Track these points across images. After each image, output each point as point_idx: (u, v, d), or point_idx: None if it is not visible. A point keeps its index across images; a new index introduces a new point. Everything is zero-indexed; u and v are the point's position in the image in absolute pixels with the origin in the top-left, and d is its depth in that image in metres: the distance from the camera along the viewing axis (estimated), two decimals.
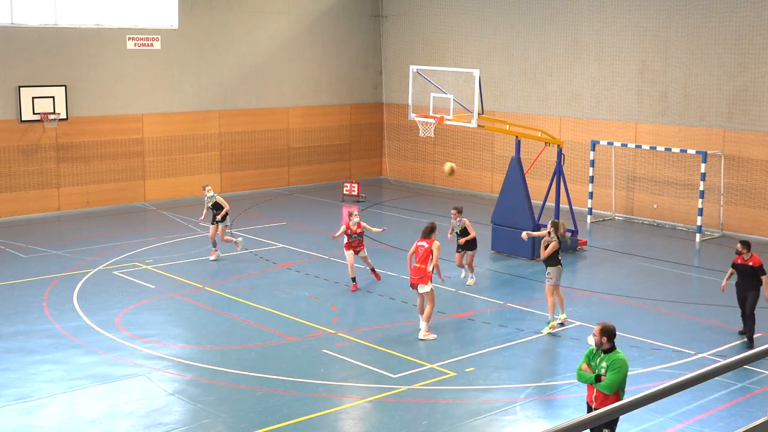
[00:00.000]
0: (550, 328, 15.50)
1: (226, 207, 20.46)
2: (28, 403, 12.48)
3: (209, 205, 20.50)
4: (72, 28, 26.60)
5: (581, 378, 9.83)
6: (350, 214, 18.23)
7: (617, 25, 25.74)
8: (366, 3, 32.52)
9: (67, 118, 26.52)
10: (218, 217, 20.33)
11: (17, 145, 25.93)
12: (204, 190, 20.80)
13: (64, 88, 26.39)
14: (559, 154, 21.72)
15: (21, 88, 25.72)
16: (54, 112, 26.13)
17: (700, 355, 14.58)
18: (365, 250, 18.36)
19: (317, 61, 31.66)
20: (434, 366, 13.92)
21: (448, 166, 20.09)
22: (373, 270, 18.71)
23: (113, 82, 27.47)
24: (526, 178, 21.37)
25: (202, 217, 21.25)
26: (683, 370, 13.76)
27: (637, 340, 15.19)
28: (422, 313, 15.15)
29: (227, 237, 20.70)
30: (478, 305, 17.32)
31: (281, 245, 22.00)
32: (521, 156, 21.44)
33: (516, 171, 21.18)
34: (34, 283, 18.58)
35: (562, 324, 15.72)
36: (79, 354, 14.48)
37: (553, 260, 15.43)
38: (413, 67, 22.28)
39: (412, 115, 22.13)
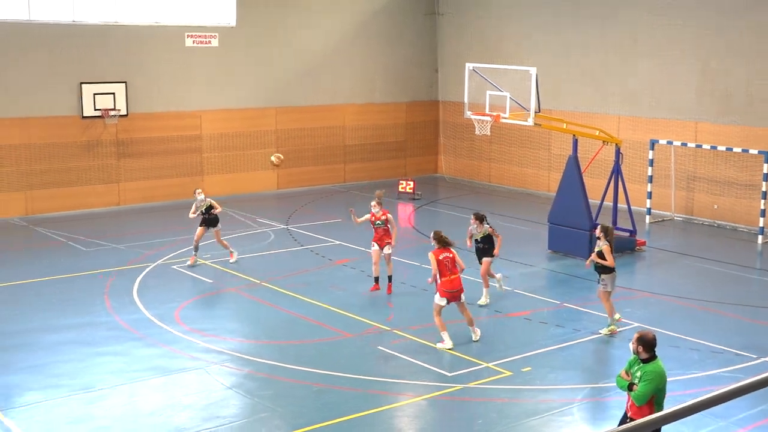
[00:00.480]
0: (609, 330, 15.34)
1: (219, 209, 19.85)
2: (91, 393, 12.72)
3: (203, 208, 19.72)
4: (132, 25, 27.01)
5: (619, 384, 9.74)
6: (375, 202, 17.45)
7: (678, 24, 25.37)
8: (421, 0, 32.50)
9: (127, 115, 26.94)
10: (212, 213, 19.64)
11: (79, 140, 26.41)
12: (195, 193, 20.07)
13: (124, 84, 26.80)
14: (617, 153, 21.49)
15: (83, 85, 26.19)
16: (114, 109, 26.56)
17: (762, 360, 14.32)
18: (391, 248, 17.35)
19: (372, 59, 31.72)
20: (490, 365, 13.87)
21: (274, 157, 20.28)
22: (389, 280, 17.55)
23: (172, 79, 27.83)
24: (584, 177, 21.18)
25: (193, 215, 19.94)
26: (745, 374, 13.52)
27: (697, 342, 14.97)
28: (471, 323, 14.87)
29: (224, 241, 20.11)
30: (534, 305, 17.21)
31: (337, 242, 22.09)
32: (578, 155, 21.26)
33: (573, 170, 21.00)
34: (95, 277, 18.91)
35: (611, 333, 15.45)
36: (139, 346, 14.71)
37: (606, 266, 15.20)
38: (469, 65, 22.21)
39: (468, 113, 22.07)
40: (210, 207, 19.78)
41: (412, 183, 28.66)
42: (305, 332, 15.55)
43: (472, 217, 17.06)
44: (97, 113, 26.40)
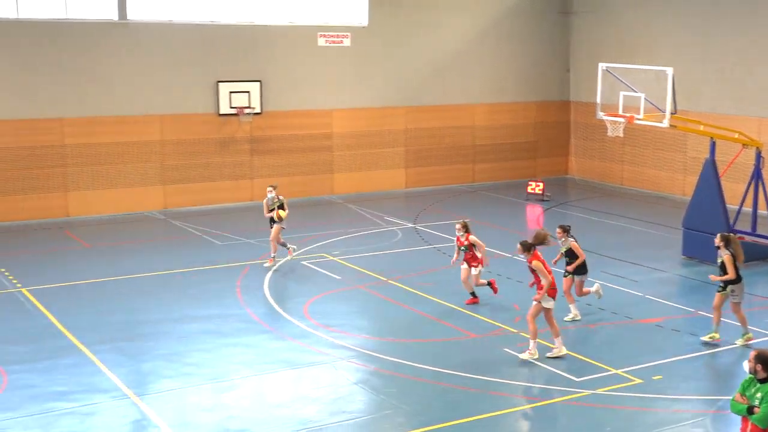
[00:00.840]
0: (744, 340, 14.78)
1: (280, 213, 19.54)
2: (222, 383, 13.09)
3: (275, 206, 19.59)
4: (267, 26, 27.66)
5: (734, 409, 9.12)
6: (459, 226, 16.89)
7: None
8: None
9: (261, 113, 27.60)
10: (279, 216, 19.49)
11: (215, 137, 27.24)
12: (267, 190, 19.89)
13: (258, 83, 27.47)
14: (758, 157, 20.66)
15: (219, 83, 26.99)
16: (249, 107, 27.27)
17: None
18: (478, 270, 16.69)
19: (503, 58, 31.49)
20: (619, 372, 13.56)
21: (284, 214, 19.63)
22: (473, 295, 16.93)
23: (304, 78, 28.35)
24: (721, 181, 20.45)
25: (269, 214, 19.83)
26: None
27: None
28: (558, 334, 14.27)
29: (282, 239, 19.93)
30: (667, 311, 16.73)
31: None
32: (716, 158, 20.53)
33: (710, 173, 20.31)
34: (227, 270, 19.45)
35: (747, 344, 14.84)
36: (269, 339, 15.05)
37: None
38: (602, 65, 21.76)
39: (601, 114, 21.64)
40: (281, 205, 19.62)
41: (541, 184, 28.30)
42: (431, 331, 15.57)
43: (558, 229, 16.01)
44: (233, 111, 27.16)
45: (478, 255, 16.72)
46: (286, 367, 13.77)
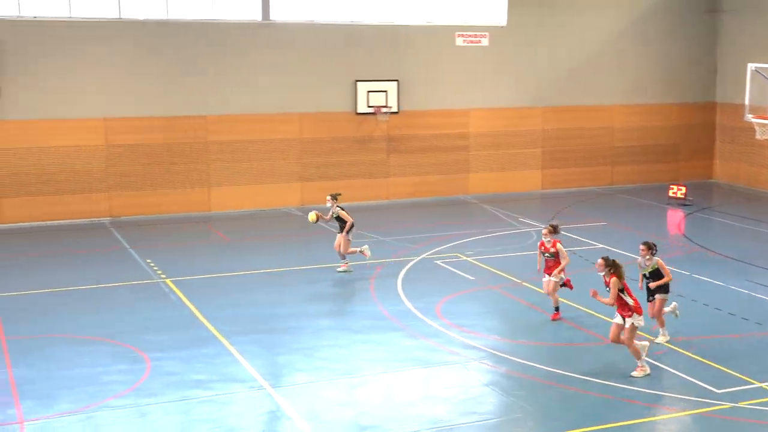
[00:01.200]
0: None
1: (349, 221, 19.04)
2: (354, 378, 13.25)
3: (333, 217, 19.26)
4: (406, 25, 27.84)
5: None
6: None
7: None
8: None
9: (398, 112, 27.81)
10: (344, 230, 19.11)
11: (353, 136, 27.62)
12: (327, 199, 19.52)
13: (396, 82, 27.68)
14: None
15: (357, 83, 27.34)
16: (386, 106, 27.51)
17: None
18: (558, 278, 15.85)
19: (644, 58, 30.68)
20: (763, 385, 12.99)
21: (312, 216, 19.10)
22: (557, 309, 15.96)
23: (442, 78, 28.40)
24: None
25: (327, 217, 19.48)
26: None
27: None
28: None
29: (351, 249, 19.36)
30: None
31: (600, 245, 21.58)
32: None
33: None
34: (361, 267, 19.66)
35: None
36: (401, 337, 15.13)
37: None
38: (752, 65, 20.96)
39: (749, 116, 20.85)
40: (340, 218, 19.23)
41: (683, 188, 27.42)
42: (564, 334, 15.32)
43: (642, 246, 14.63)
44: (370, 110, 27.47)
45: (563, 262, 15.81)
46: (417, 365, 13.82)
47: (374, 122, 27.71)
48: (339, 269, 19.30)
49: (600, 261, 13.51)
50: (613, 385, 12.93)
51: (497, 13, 28.87)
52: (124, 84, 25.52)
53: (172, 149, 26.03)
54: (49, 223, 24.95)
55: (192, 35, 25.92)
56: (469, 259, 20.42)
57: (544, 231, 16.06)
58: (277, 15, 26.71)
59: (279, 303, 17.16)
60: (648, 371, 13.33)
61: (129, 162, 25.72)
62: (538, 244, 16.29)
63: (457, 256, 20.63)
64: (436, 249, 21.28)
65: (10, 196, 24.81)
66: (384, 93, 27.60)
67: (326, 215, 19.43)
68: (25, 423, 11.51)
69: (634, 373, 13.33)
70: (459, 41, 28.50)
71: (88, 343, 14.73)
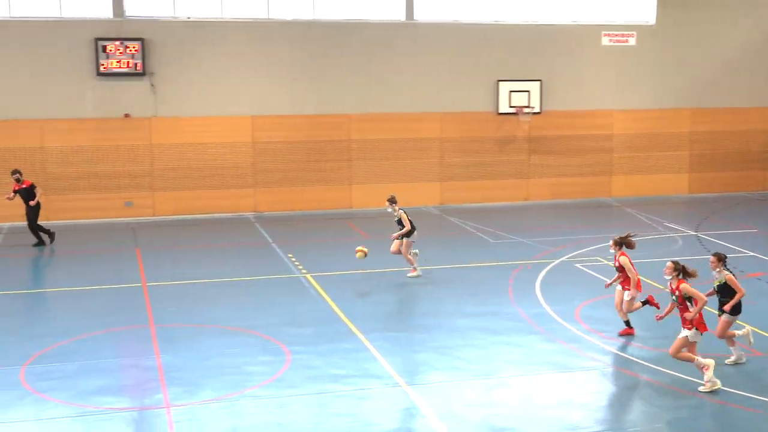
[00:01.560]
0: None
1: (407, 227, 18.56)
2: (491, 380, 13.18)
3: (396, 220, 18.86)
4: (549, 24, 27.49)
5: None
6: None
7: None
8: None
9: (540, 112, 27.51)
10: (400, 233, 18.69)
11: (493, 136, 27.50)
12: (386, 204, 19.06)
13: (539, 83, 27.38)
14: None
15: (500, 82, 27.19)
16: (528, 106, 27.25)
17: None
18: (630, 296, 14.81)
19: None
20: None
21: (359, 254, 18.11)
22: (627, 324, 15.05)
23: (586, 78, 27.92)
24: None
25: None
26: None
27: None
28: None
29: (410, 256, 18.85)
30: None
31: (750, 253, 20.73)
32: None
33: None
34: (500, 268, 19.56)
35: None
36: (539, 340, 14.94)
37: None
38: None
39: None
40: (399, 220, 18.84)
41: None
42: (711, 344, 14.76)
43: (712, 257, 13.60)
44: (512, 110, 27.27)
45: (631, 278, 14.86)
46: (554, 369, 13.63)
47: (515, 122, 27.50)
48: (409, 274, 18.93)
49: (669, 264, 12.89)
50: (761, 399, 12.38)
51: (646, 12, 28.15)
52: (271, 83, 26.23)
53: (315, 147, 26.57)
54: (197, 216, 25.91)
55: (337, 35, 26.38)
56: (610, 263, 19.95)
57: (610, 243, 15.09)
58: (420, 15, 26.86)
59: (416, 301, 17.26)
60: (718, 385, 12.56)
61: (274, 159, 26.42)
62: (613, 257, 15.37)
63: (597, 260, 20.22)
64: (577, 252, 20.93)
65: (163, 190, 25.90)
66: (526, 93, 27.36)
67: (396, 219, 18.78)
68: (171, 408, 11.97)
69: (702, 388, 12.60)
70: (605, 41, 27.94)
71: (232, 334, 15.21)
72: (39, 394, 12.39)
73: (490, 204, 27.46)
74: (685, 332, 12.66)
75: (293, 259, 20.51)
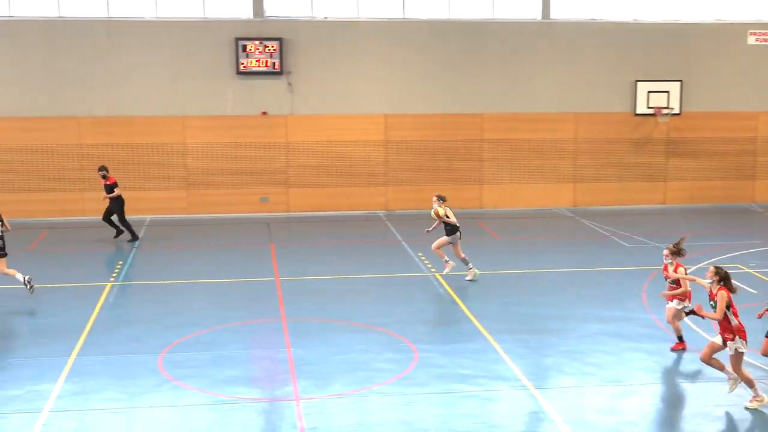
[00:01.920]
0: None
1: (454, 224, 18.29)
2: (621, 386, 12.87)
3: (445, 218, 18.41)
4: (691, 23, 26.64)
5: None
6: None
7: None
8: None
9: (679, 113, 26.70)
10: (449, 234, 18.34)
11: (630, 137, 26.87)
12: (433, 199, 18.65)
13: (679, 83, 26.59)
14: None
15: (637, 83, 26.53)
16: (667, 107, 26.50)
17: None
18: (681, 305, 13.98)
19: None
20: None
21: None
22: (680, 339, 14.28)
23: (729, 78, 26.96)
24: None
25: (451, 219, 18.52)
26: None
27: None
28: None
29: (461, 254, 18.40)
30: None
31: None
32: None
33: None
34: (634, 273, 19.09)
35: None
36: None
37: None
38: None
39: None
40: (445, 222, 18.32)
41: None
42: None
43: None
44: (650, 111, 26.57)
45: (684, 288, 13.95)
46: (687, 379, 13.22)
47: (653, 123, 26.77)
48: (467, 278, 18.59)
49: (712, 269, 12.23)
50: None
51: None
52: (405, 82, 26.40)
53: (447, 146, 26.59)
54: (329, 213, 26.33)
55: (471, 34, 26.31)
56: (752, 271, 19.20)
57: (665, 252, 14.04)
58: (557, 13, 26.50)
59: (546, 304, 17.02)
60: (766, 401, 11.89)
61: (406, 158, 26.57)
62: (662, 267, 14.45)
63: (738, 267, 19.46)
64: (715, 258, 20.21)
65: (297, 186, 26.44)
66: (666, 93, 26.59)
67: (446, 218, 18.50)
68: (301, 401, 12.20)
69: (748, 404, 11.92)
70: (751, 39, 26.88)
71: (361, 330, 15.38)
72: (176, 381, 12.85)
73: (625, 207, 26.82)
74: (731, 344, 11.98)
75: (423, 258, 20.57)
